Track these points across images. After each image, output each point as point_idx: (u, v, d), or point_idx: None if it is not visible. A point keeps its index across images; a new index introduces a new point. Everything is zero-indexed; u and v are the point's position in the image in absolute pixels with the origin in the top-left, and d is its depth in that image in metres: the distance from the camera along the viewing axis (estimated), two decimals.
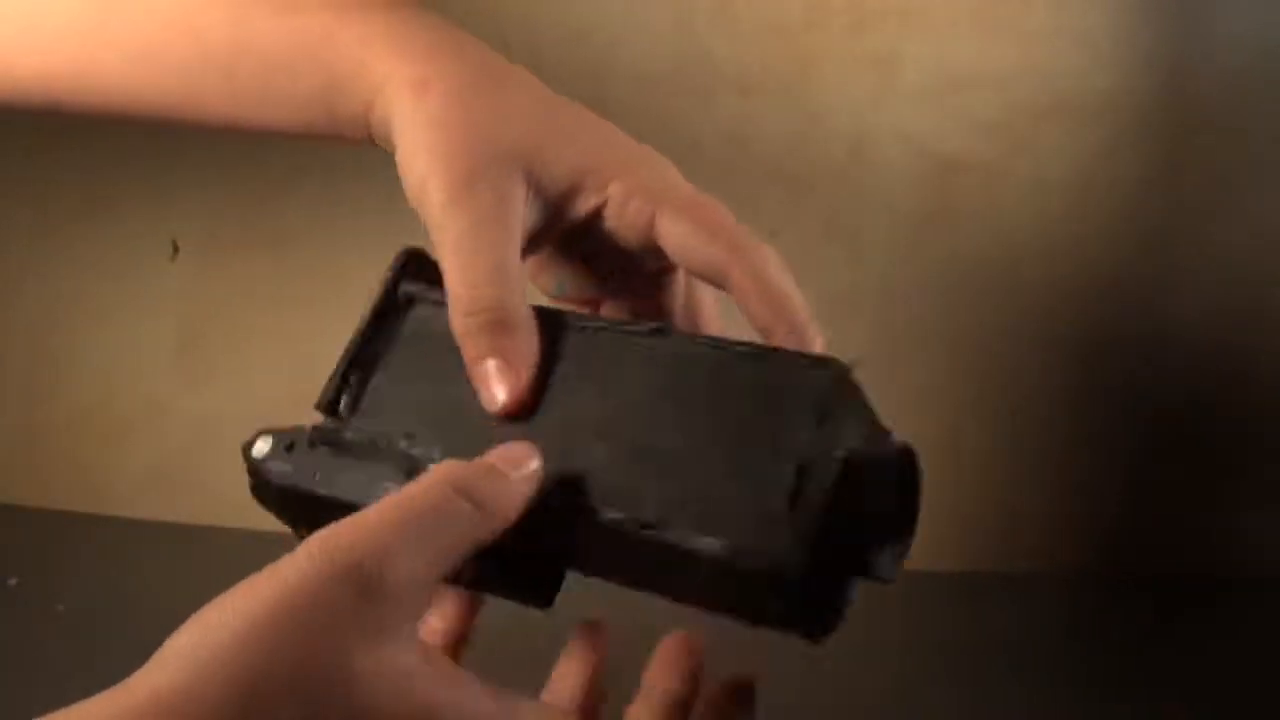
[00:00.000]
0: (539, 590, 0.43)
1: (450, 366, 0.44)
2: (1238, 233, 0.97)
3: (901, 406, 0.94)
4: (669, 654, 0.45)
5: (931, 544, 0.95)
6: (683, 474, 0.40)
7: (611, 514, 0.40)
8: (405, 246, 0.50)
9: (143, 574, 0.71)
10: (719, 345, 0.43)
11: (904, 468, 0.40)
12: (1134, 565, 0.96)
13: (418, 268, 0.49)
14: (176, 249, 1.00)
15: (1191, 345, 0.97)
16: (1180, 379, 0.97)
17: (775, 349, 0.43)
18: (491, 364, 0.43)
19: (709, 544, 0.38)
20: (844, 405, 0.40)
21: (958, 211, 0.96)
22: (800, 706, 0.52)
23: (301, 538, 0.35)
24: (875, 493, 0.39)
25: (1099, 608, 0.79)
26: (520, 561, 0.41)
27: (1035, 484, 0.97)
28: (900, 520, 0.40)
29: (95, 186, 1.01)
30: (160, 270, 1.01)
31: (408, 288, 0.49)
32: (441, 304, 0.45)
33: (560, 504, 0.41)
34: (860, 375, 0.42)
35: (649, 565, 0.40)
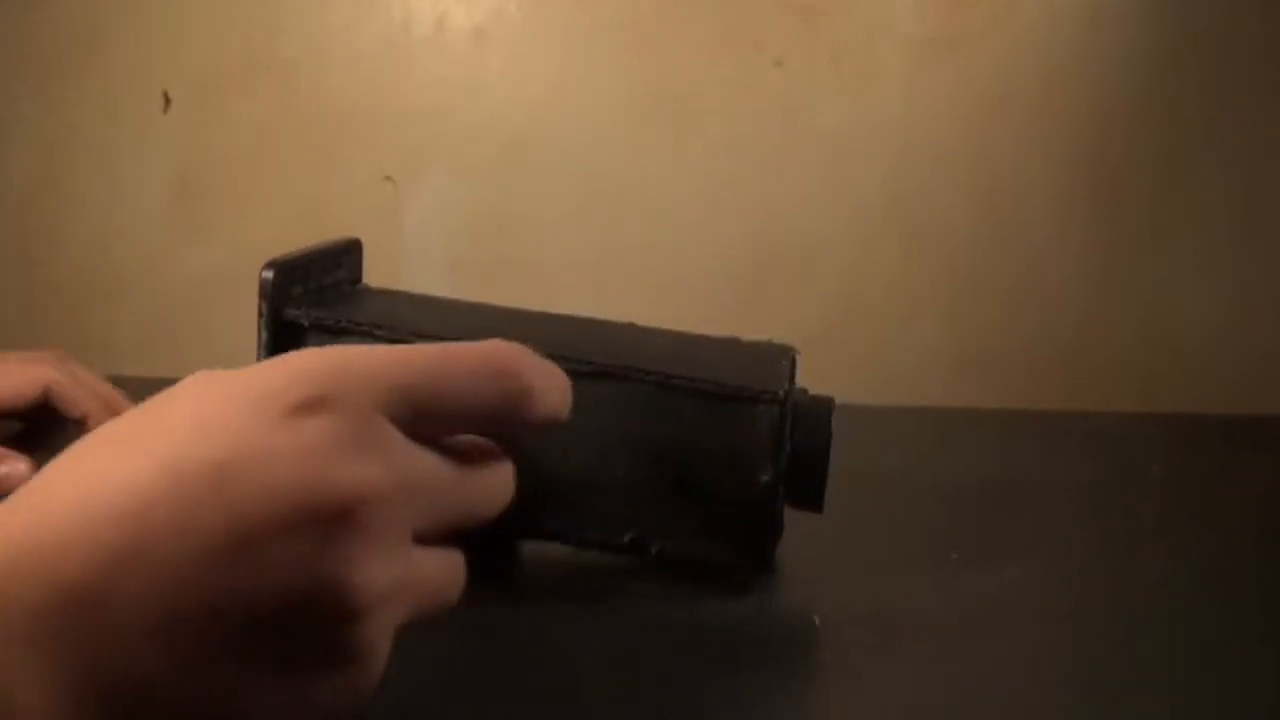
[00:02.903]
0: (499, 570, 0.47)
1: None
2: (1246, 51, 0.94)
3: (916, 237, 0.94)
4: None
5: (950, 379, 0.95)
6: (644, 501, 0.46)
7: (593, 534, 0.46)
8: (266, 264, 0.48)
9: None
10: (666, 385, 0.46)
11: (829, 425, 0.47)
12: (1151, 402, 0.96)
13: (287, 282, 0.49)
14: (168, 100, 0.99)
15: (1201, 166, 0.96)
16: (1199, 195, 0.96)
17: (715, 381, 0.46)
18: None
19: (701, 553, 0.46)
20: (795, 423, 0.46)
21: (967, 38, 0.94)
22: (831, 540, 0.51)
23: None
24: (812, 456, 0.47)
25: (1120, 445, 0.78)
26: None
27: (1059, 315, 0.96)
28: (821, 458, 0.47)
29: (81, 41, 0.98)
30: (153, 123, 0.99)
31: (291, 313, 0.48)
32: (337, 331, 0.48)
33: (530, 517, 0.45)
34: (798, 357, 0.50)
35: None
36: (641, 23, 0.94)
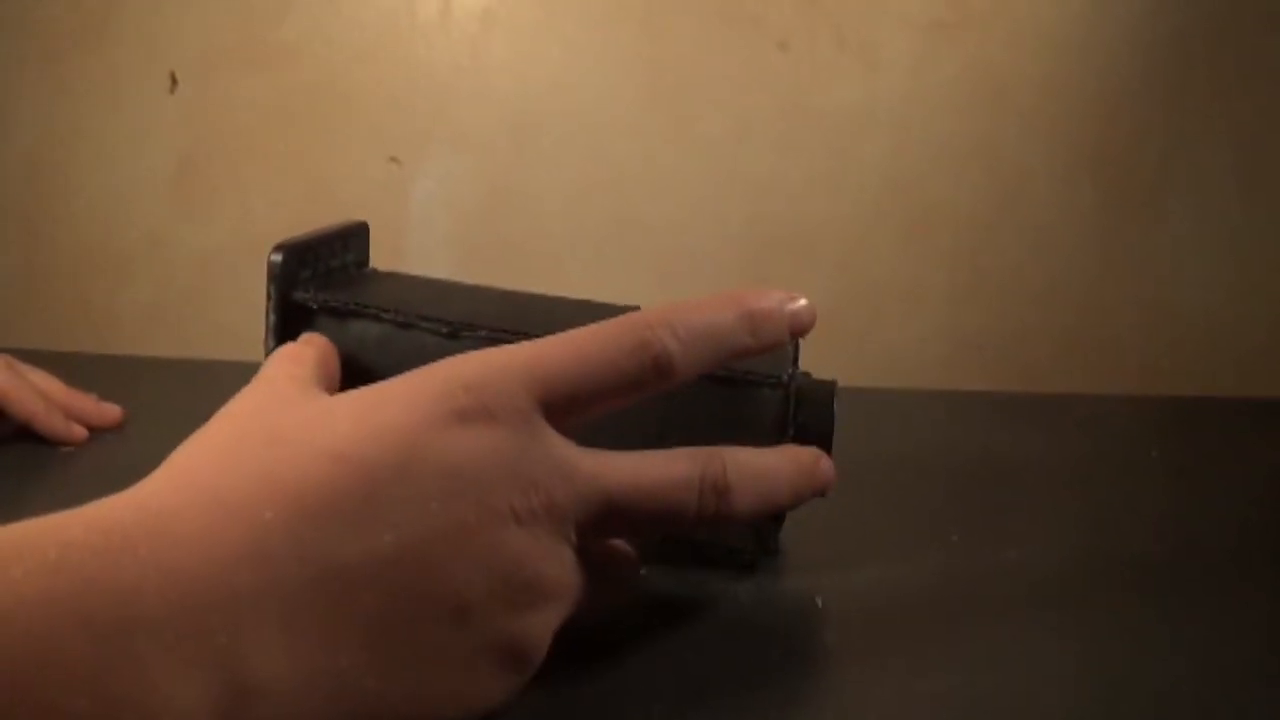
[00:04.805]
0: None
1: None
2: (1250, 33, 0.94)
3: (919, 220, 0.94)
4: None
5: (952, 362, 0.95)
6: None
7: None
8: (274, 247, 0.48)
9: (147, 411, 0.70)
10: None
11: (832, 409, 0.47)
12: (1152, 385, 0.96)
13: (296, 265, 0.49)
14: (175, 81, 0.98)
15: (1204, 149, 0.95)
16: (1202, 178, 0.96)
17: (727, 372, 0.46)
18: None
19: (704, 536, 0.47)
20: (799, 407, 0.46)
21: (971, 21, 0.93)
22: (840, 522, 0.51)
23: None
24: (816, 440, 0.45)
25: (1128, 428, 0.78)
26: None
27: (1061, 297, 0.96)
28: (824, 442, 0.46)
29: (89, 21, 0.98)
30: (160, 103, 0.99)
31: (300, 296, 0.49)
32: (345, 314, 0.47)
33: None
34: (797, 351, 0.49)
35: None
36: (646, 5, 0.94)
